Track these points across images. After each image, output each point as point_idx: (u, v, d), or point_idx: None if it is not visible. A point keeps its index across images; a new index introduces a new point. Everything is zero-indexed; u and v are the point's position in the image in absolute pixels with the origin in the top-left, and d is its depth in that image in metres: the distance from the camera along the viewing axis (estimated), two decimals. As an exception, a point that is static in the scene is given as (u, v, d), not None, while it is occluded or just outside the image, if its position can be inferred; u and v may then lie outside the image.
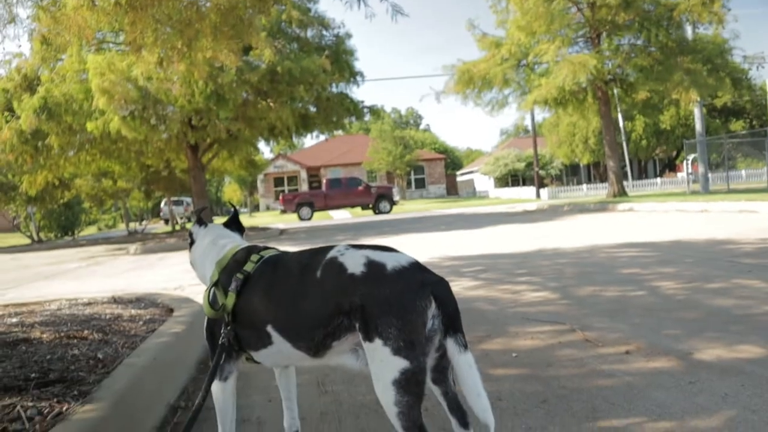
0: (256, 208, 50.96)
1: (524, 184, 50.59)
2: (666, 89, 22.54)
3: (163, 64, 8.17)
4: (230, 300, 2.20)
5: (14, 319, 5.27)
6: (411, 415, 1.83)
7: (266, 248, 2.45)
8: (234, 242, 2.56)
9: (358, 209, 33.22)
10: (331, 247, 2.13)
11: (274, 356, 2.19)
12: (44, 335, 4.42)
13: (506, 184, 51.93)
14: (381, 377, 1.83)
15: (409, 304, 1.86)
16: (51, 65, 17.80)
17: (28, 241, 27.90)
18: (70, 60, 16.85)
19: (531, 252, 8.71)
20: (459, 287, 6.10)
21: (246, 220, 31.46)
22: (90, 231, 35.30)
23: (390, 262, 1.94)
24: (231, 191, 56.68)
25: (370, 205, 31.91)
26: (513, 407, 2.76)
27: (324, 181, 36.83)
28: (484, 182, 55.41)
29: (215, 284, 2.32)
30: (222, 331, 2.20)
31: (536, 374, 3.21)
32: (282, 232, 18.54)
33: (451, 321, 1.89)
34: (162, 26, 6.62)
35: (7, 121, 17.41)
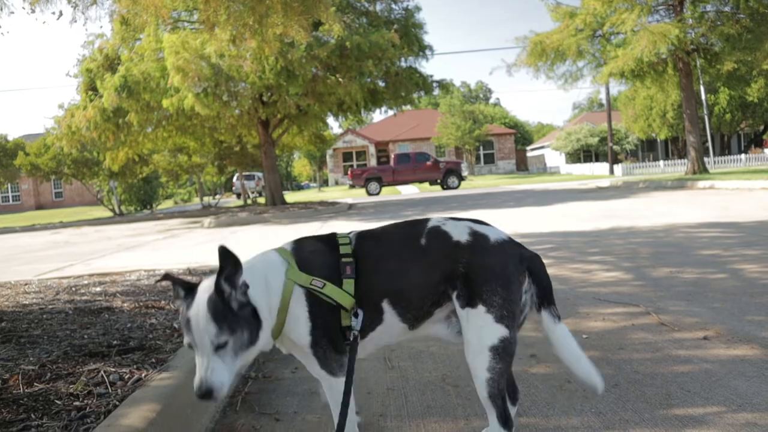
0: (325, 182, 51.62)
1: (597, 160, 49.12)
2: (755, 59, 21.25)
3: (235, 42, 8.33)
4: (350, 286, 2.01)
5: (98, 288, 5.55)
6: (500, 383, 1.95)
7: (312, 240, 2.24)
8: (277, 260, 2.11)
9: (426, 184, 33.14)
10: (426, 219, 2.17)
11: (378, 337, 2.10)
12: (125, 304, 4.64)
13: (578, 160, 50.56)
14: (479, 343, 1.94)
15: (512, 276, 2.00)
16: (130, 45, 18.47)
17: (110, 213, 29.26)
18: (148, 39, 17.42)
19: (603, 230, 8.47)
20: (528, 266, 6.00)
21: (315, 194, 31.91)
22: (167, 205, 36.67)
23: (491, 234, 2.08)
24: (300, 166, 57.60)
25: (439, 181, 31.73)
26: (583, 390, 2.70)
27: (392, 156, 36.85)
28: (555, 158, 54.14)
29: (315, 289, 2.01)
30: (352, 323, 2.00)
31: (607, 357, 3.13)
32: (351, 206, 18.71)
33: (546, 294, 2.06)
34: (234, 4, 6.72)
35: (91, 100, 18.21)
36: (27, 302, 4.96)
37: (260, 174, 31.70)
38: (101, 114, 17.88)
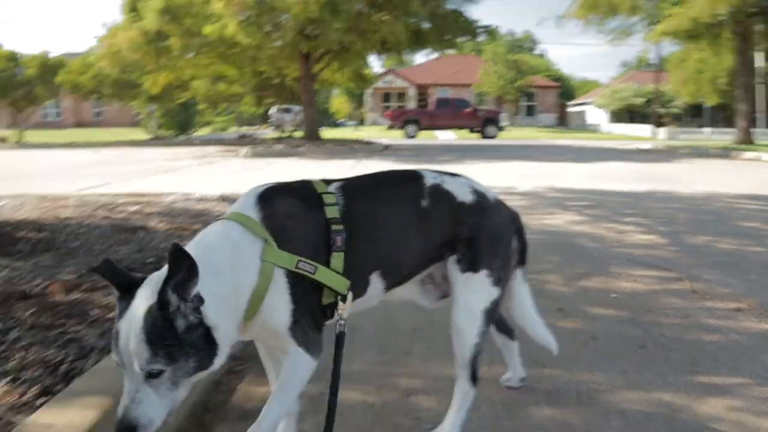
0: (362, 121, 51.34)
1: (640, 121, 47.85)
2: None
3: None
4: (339, 261, 1.68)
5: (134, 208, 5.66)
6: (482, 344, 1.91)
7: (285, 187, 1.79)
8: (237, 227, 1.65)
9: (464, 131, 32.73)
10: (418, 174, 1.93)
11: (356, 306, 1.79)
12: (160, 225, 4.73)
13: (620, 120, 49.30)
14: (472, 306, 1.87)
15: (509, 237, 1.96)
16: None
17: (148, 136, 29.59)
18: (193, -39, 17.16)
19: (641, 192, 8.31)
20: (562, 220, 5.94)
21: (351, 133, 31.81)
22: (204, 132, 36.91)
23: (487, 192, 1.98)
24: (339, 103, 57.26)
25: (477, 129, 31.32)
26: (608, 348, 2.70)
27: (432, 100, 36.34)
28: (596, 115, 52.85)
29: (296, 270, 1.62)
30: (339, 310, 1.69)
31: (635, 318, 3.11)
32: (386, 147, 18.61)
33: (523, 253, 2.02)
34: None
35: (133, 22, 18.15)
36: (66, 216, 5.09)
37: (298, 108, 31.62)
38: (143, 36, 17.85)
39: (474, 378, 1.91)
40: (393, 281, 1.85)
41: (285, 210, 1.69)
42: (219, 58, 20.10)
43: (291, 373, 1.66)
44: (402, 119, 31.38)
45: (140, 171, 11.45)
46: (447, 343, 2.76)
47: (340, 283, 1.67)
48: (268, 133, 33.86)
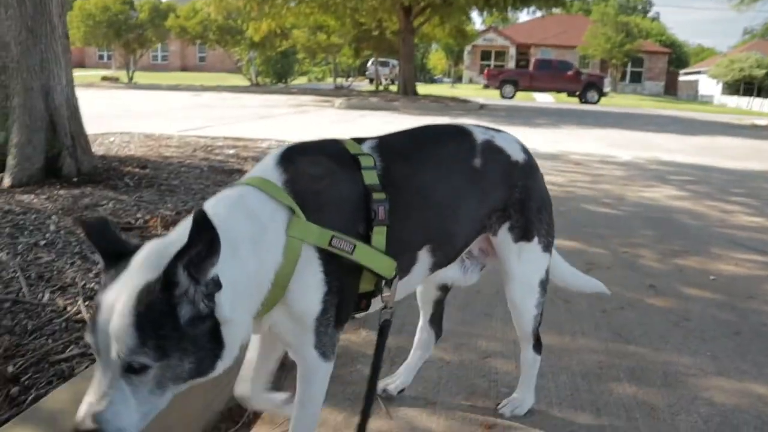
0: (458, 79, 50.52)
1: (759, 94, 44.55)
2: None
3: None
4: (381, 237, 1.37)
5: (231, 151, 5.85)
6: (540, 318, 1.81)
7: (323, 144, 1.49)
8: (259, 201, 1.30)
9: (563, 95, 31.60)
10: (463, 128, 1.70)
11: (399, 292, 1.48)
12: (254, 170, 4.86)
13: (736, 92, 46.03)
14: (529, 279, 1.73)
15: (550, 198, 1.80)
16: None
17: (247, 83, 30.34)
18: None
19: (752, 172, 7.77)
20: (660, 194, 5.67)
21: (447, 90, 31.39)
22: (300, 81, 37.46)
23: (527, 149, 1.77)
24: (436, 59, 56.50)
25: (577, 93, 30.14)
26: (701, 331, 2.58)
27: (532, 60, 35.20)
28: (709, 86, 49.60)
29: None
30: (383, 297, 1.41)
31: (733, 303, 2.94)
32: (482, 107, 18.25)
33: None
34: None
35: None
36: (168, 154, 5.32)
37: (395, 62, 31.44)
38: (248, -18, 18.15)
39: (538, 346, 1.86)
40: (443, 258, 1.59)
41: (313, 171, 1.36)
42: (320, 8, 20.17)
43: (310, 383, 1.40)
44: (499, 79, 30.62)
45: (238, 116, 11.78)
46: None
47: (386, 265, 1.36)
48: (363, 85, 33.95)
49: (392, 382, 1.97)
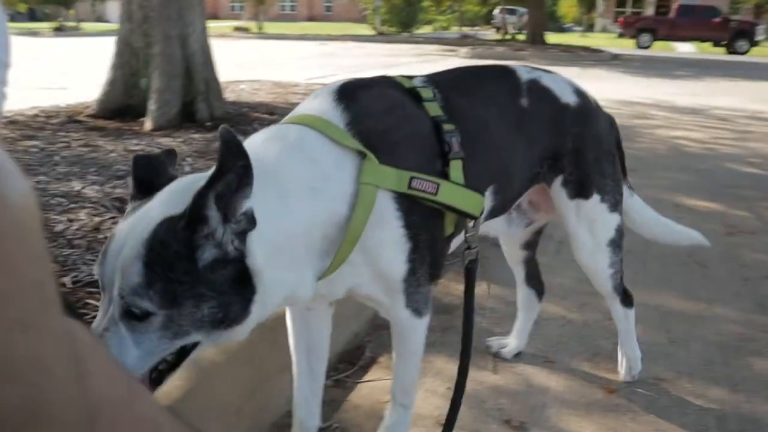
0: (590, 27, 47.87)
1: None
2: None
3: None
4: (458, 172, 1.22)
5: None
6: (620, 273, 1.69)
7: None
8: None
9: (708, 45, 29.11)
10: (505, 66, 1.56)
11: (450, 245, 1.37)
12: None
13: None
14: (595, 240, 1.60)
15: (614, 148, 1.63)
16: None
17: (372, 32, 30.37)
18: None
19: None
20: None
21: (578, 39, 29.86)
22: (425, 30, 36.98)
23: (585, 90, 1.59)
24: (567, 6, 53.67)
25: (724, 43, 27.64)
26: None
27: (674, 6, 32.59)
28: None
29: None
30: (466, 232, 1.29)
31: None
32: (615, 57, 17.17)
33: (623, 165, 1.67)
34: None
35: None
36: (294, 101, 5.45)
37: (523, 10, 30.24)
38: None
39: (627, 300, 1.74)
40: (503, 202, 1.44)
41: (377, 108, 1.22)
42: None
43: (406, 342, 1.32)
44: (636, 27, 28.66)
45: (362, 65, 11.83)
46: (664, 272, 2.56)
47: (474, 201, 1.22)
48: (489, 34, 33.03)
49: (506, 345, 1.92)
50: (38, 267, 0.34)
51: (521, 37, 23.67)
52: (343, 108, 1.15)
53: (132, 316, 0.89)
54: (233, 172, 0.88)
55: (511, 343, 1.92)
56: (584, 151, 1.49)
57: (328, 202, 1.08)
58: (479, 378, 1.78)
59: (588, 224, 1.55)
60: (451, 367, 1.79)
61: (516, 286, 1.91)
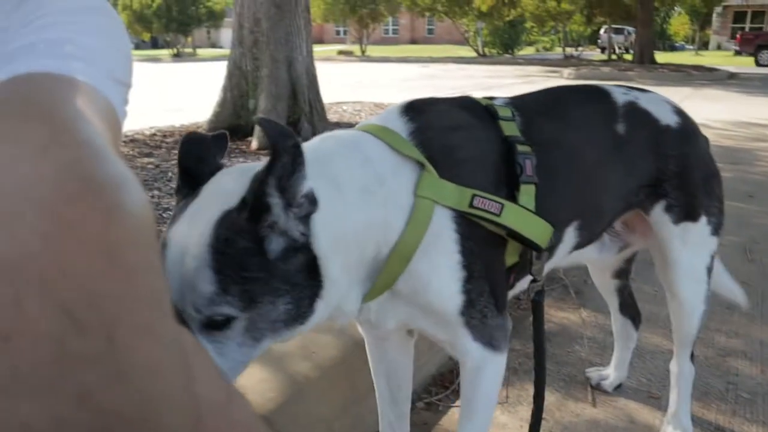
0: (704, 45, 45.60)
1: None
2: None
3: None
4: (530, 198, 1.10)
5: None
6: (707, 311, 1.52)
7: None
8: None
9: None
10: (600, 87, 1.43)
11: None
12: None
13: None
14: (696, 266, 1.45)
15: (717, 168, 1.48)
16: None
17: (474, 54, 30.36)
18: None
19: None
20: None
21: (690, 58, 28.50)
22: (528, 51, 36.54)
23: (683, 109, 1.46)
24: (678, 24, 51.43)
25: None
26: None
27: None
28: None
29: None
30: (534, 269, 1.15)
31: None
32: (731, 75, 16.26)
33: None
34: None
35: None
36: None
37: (631, 29, 29.28)
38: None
39: (692, 355, 1.60)
40: (588, 236, 1.33)
41: (444, 122, 1.13)
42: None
43: (476, 384, 1.15)
44: (755, 43, 26.99)
45: (464, 86, 11.83)
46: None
47: (541, 229, 1.08)
48: (594, 54, 32.19)
49: (606, 376, 1.83)
50: (155, 275, 0.36)
51: (628, 56, 22.90)
52: (408, 119, 1.09)
53: (213, 326, 0.82)
54: (287, 153, 0.79)
55: (611, 374, 1.83)
56: (690, 172, 1.39)
57: (381, 207, 0.97)
58: (577, 410, 1.71)
59: (693, 250, 1.43)
60: (548, 397, 1.72)
61: (612, 319, 1.83)
